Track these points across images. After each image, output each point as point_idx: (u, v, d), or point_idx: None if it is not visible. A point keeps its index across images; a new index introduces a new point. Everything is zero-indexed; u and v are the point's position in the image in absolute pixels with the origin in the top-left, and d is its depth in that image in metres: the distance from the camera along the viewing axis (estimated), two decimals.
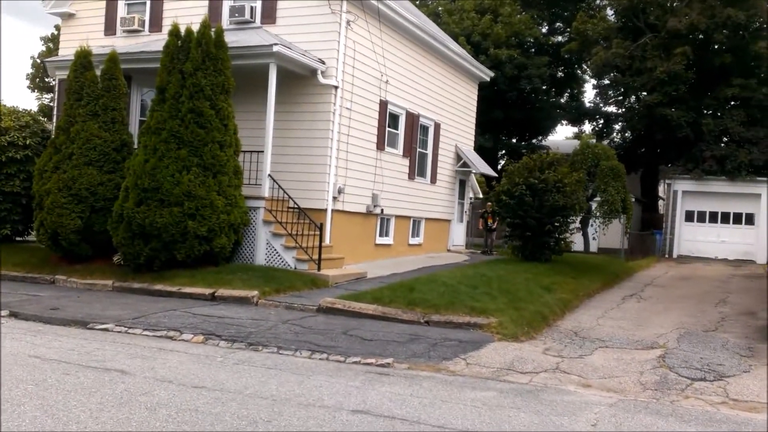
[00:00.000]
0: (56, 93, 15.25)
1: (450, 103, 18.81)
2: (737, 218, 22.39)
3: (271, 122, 12.44)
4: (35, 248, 13.67)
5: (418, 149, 17.09)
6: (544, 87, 32.73)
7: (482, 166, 19.99)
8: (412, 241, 17.12)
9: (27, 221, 14.80)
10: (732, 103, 23.99)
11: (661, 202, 31.08)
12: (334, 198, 13.34)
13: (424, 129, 17.47)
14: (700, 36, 24.16)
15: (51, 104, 37.01)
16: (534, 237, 14.25)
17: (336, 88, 13.16)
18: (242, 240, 12.09)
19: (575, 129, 42.62)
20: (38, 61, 39.38)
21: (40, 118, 16.36)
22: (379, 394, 5.27)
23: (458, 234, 20.19)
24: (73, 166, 11.71)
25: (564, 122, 36.67)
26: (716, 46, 23.80)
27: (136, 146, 12.55)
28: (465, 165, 19.66)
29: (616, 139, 31.06)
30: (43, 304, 9.22)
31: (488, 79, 21.24)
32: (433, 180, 18.03)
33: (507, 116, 31.37)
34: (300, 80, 13.27)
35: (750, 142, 22.24)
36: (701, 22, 23.06)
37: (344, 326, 8.07)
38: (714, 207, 22.70)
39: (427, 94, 17.23)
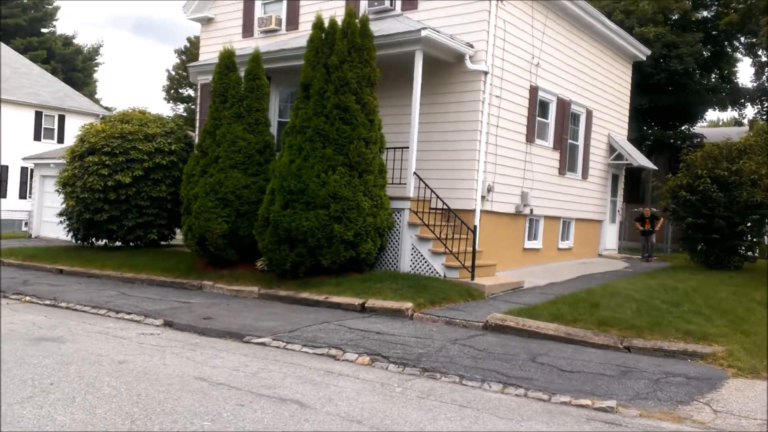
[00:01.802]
0: (198, 97, 15.31)
1: (602, 87, 16.86)
2: None
3: (416, 115, 11.42)
4: (181, 253, 13.74)
5: (569, 140, 15.38)
6: (695, 68, 29.25)
7: (641, 159, 17.78)
8: (562, 244, 15.43)
9: (172, 226, 15.01)
10: None
11: None
12: (483, 197, 12.07)
13: (575, 117, 15.72)
14: None
15: (184, 114, 38.98)
16: (722, 240, 12.08)
17: (485, 74, 11.90)
18: (386, 245, 11.18)
19: (724, 114, 38.15)
20: (172, 73, 41.67)
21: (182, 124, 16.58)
22: None
23: (610, 237, 18.13)
24: (219, 169, 11.42)
25: (717, 107, 32.72)
26: None
27: (278, 148, 12.14)
28: (619, 157, 17.58)
29: None
30: (196, 313, 8.83)
31: (644, 58, 18.94)
32: (585, 175, 16.20)
33: (653, 103, 28.30)
34: (445, 68, 12.16)
35: None
36: None
37: (526, 350, 6.81)
38: None
39: (578, 77, 15.48)
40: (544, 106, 14.21)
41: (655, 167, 18.91)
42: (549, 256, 14.73)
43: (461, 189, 11.89)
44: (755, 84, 29.85)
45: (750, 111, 32.88)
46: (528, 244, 13.91)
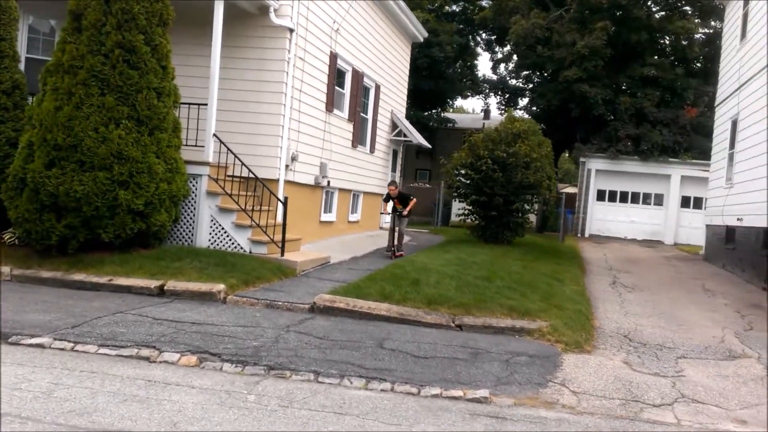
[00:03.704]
0: None
1: (389, 64, 17.15)
2: (647, 198, 23.19)
3: (216, 68, 10.06)
4: None
5: (361, 113, 15.31)
6: (451, 57, 31.92)
7: (419, 137, 18.63)
8: (351, 217, 15.42)
9: None
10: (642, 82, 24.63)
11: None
12: (287, 166, 11.26)
13: (366, 90, 15.70)
14: (619, 13, 24.36)
15: None
16: (498, 217, 13.19)
17: (291, 31, 11.00)
18: (179, 215, 9.69)
19: (469, 102, 42.72)
20: None
21: None
22: None
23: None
24: None
25: (469, 94, 36.37)
26: (633, 23, 24.02)
27: (30, 90, 9.64)
28: (399, 134, 18.19)
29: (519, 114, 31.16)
30: None
31: (422, 40, 19.82)
32: (372, 149, 16.38)
33: (416, 85, 30.10)
34: (247, 19, 10.93)
35: (662, 123, 23.01)
36: None
37: (368, 335, 6.35)
38: (625, 187, 23.31)
39: (371, 51, 15.44)
40: (341, 76, 13.82)
41: (430, 146, 20.06)
42: (341, 229, 14.57)
43: (264, 156, 10.87)
44: (496, 77, 33.71)
45: (493, 100, 37.24)
46: (324, 217, 13.52)
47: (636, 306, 8.93)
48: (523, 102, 32.66)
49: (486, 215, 13.37)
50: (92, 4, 8.56)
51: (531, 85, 30.51)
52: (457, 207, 22.47)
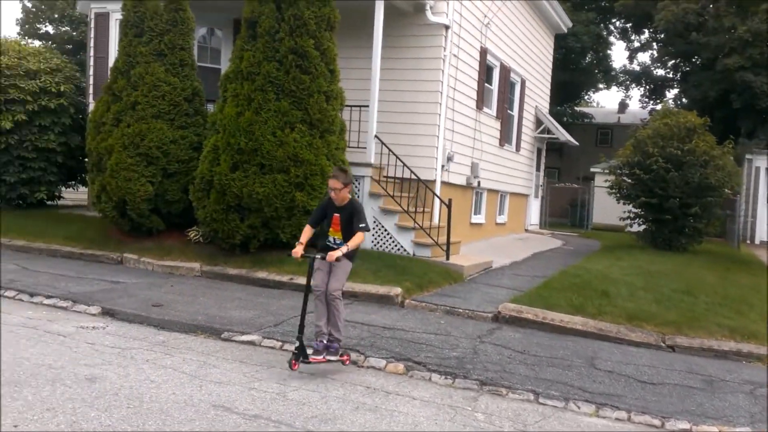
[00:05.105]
0: (92, 30, 12.43)
1: (534, 57, 16.39)
2: None
3: (377, 70, 9.96)
4: (82, 217, 11.37)
5: (507, 110, 14.71)
6: (588, 48, 30.19)
7: (565, 134, 17.69)
8: (499, 219, 14.88)
9: (62, 183, 12.37)
10: None
11: None
12: (442, 167, 10.97)
13: (512, 86, 15.07)
14: None
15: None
16: (673, 221, 11.99)
17: (447, 28, 10.68)
18: None
19: (594, 95, 40.45)
20: (29, 5, 35.55)
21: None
22: None
23: (535, 212, 18.02)
24: (139, 118, 9.16)
25: (603, 86, 34.43)
26: None
27: (207, 97, 10.10)
28: (543, 131, 17.35)
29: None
30: (137, 297, 6.98)
31: (565, 30, 18.86)
32: (518, 148, 15.73)
33: (552, 79, 28.89)
34: (403, 18, 10.77)
35: None
36: None
37: (570, 351, 5.86)
38: None
39: (517, 45, 14.80)
40: (490, 72, 13.33)
41: (577, 143, 19.00)
42: (489, 231, 14.10)
43: (421, 157, 10.66)
44: (639, 68, 31.50)
45: (636, 93, 34.95)
46: (474, 219, 13.12)
47: None
48: (671, 94, 30.25)
49: (657, 219, 12.22)
50: (266, 12, 8.75)
51: (680, 75, 28.12)
52: (602, 208, 21.19)
